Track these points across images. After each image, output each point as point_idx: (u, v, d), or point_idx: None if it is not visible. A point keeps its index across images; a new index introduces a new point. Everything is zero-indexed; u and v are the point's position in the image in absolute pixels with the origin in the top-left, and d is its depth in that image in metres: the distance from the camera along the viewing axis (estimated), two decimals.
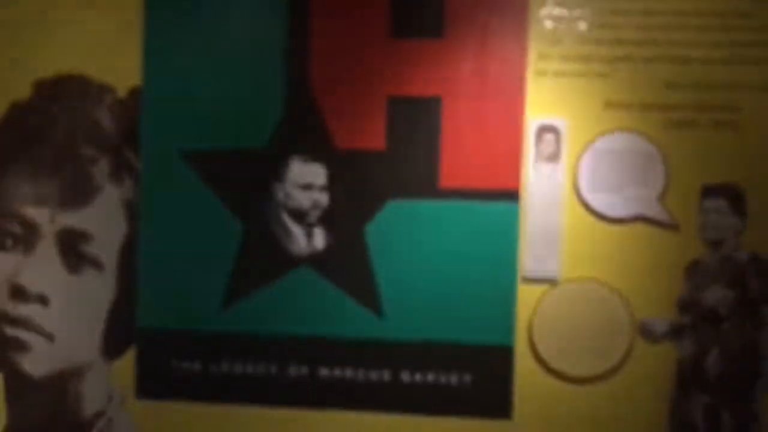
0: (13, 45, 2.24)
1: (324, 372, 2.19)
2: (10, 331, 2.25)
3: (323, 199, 2.17)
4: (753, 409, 2.06)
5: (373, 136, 2.16)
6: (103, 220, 2.23)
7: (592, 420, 2.10)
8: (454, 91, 2.13)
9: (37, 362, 2.25)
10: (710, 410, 2.07)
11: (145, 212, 2.22)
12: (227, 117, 2.20)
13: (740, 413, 2.06)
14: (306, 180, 2.18)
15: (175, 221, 2.21)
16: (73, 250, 2.23)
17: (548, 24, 2.11)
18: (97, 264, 2.23)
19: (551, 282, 2.11)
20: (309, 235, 2.18)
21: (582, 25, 2.10)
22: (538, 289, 2.12)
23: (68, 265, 2.23)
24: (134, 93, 2.22)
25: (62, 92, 2.23)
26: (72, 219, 2.22)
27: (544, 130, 2.10)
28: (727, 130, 2.07)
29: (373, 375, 2.17)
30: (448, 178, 2.14)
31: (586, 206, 2.10)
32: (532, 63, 2.11)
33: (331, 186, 2.17)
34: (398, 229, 2.15)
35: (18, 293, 2.24)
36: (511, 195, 2.11)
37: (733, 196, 2.06)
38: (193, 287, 2.21)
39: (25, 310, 2.24)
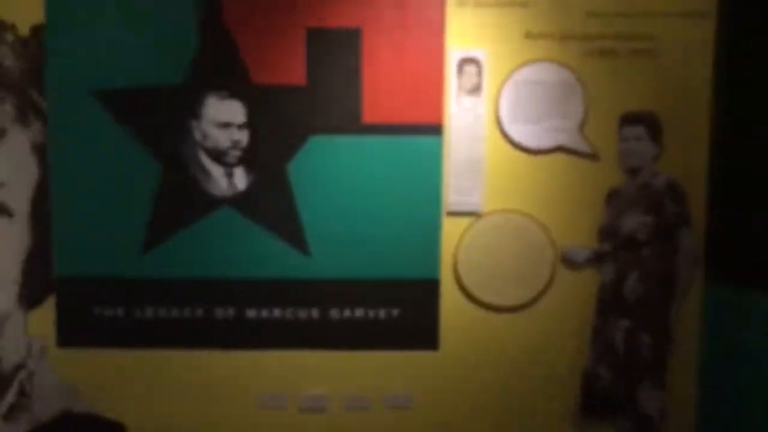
0: None
1: (251, 313, 2.25)
2: None
3: (243, 137, 2.20)
4: (668, 331, 2.23)
5: (293, 71, 2.19)
6: (12, 165, 2.21)
7: (517, 347, 2.24)
8: (374, 22, 2.17)
9: None
10: (629, 332, 2.23)
11: (56, 156, 2.21)
12: (139, 54, 2.19)
13: (657, 335, 2.23)
14: (224, 118, 2.20)
15: (88, 164, 2.21)
16: None
17: None
18: (7, 211, 2.22)
19: (475, 214, 2.21)
20: (229, 176, 2.22)
21: None
22: (462, 222, 2.21)
23: None
24: (37, 30, 2.18)
25: None
26: None
27: (465, 62, 2.17)
28: (644, 58, 2.17)
29: (302, 314, 2.25)
30: (370, 113, 2.19)
31: (508, 138, 2.19)
32: None
33: (251, 123, 2.20)
34: (321, 166, 2.21)
35: None
36: (434, 129, 2.18)
37: (650, 123, 2.18)
38: (112, 232, 2.22)
39: None
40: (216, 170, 2.21)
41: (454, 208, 2.20)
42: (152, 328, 2.26)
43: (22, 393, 2.27)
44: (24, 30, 2.18)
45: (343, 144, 2.20)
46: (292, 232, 2.22)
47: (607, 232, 2.22)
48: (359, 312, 2.25)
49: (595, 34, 2.17)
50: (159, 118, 2.20)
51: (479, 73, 2.16)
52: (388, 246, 2.22)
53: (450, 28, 2.17)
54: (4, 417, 2.27)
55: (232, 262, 2.24)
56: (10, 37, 2.18)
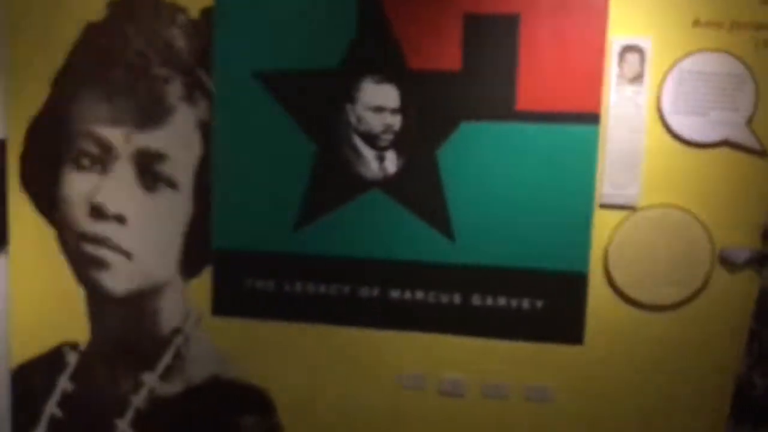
0: None
1: (395, 294, 2.37)
2: (91, 249, 2.49)
3: (395, 122, 2.30)
4: None
5: (448, 56, 2.26)
6: (178, 141, 2.41)
7: (667, 348, 2.23)
8: (533, 7, 2.20)
9: (116, 280, 2.50)
10: None
11: (219, 133, 2.40)
12: (300, 37, 2.33)
13: None
14: (378, 102, 2.31)
15: (248, 142, 2.38)
16: (148, 170, 2.43)
17: None
18: (172, 184, 2.43)
19: (630, 208, 2.21)
20: (381, 159, 2.33)
21: None
22: (616, 215, 2.22)
23: (144, 185, 2.44)
24: (206, 13, 2.37)
25: (135, 13, 2.39)
26: (147, 139, 2.42)
27: (627, 50, 2.17)
28: None
29: (444, 298, 2.34)
30: (525, 100, 2.23)
31: (669, 130, 2.17)
32: None
33: (404, 108, 2.30)
34: (472, 152, 2.28)
35: (96, 212, 2.47)
36: (591, 118, 2.20)
37: None
38: (267, 208, 2.39)
39: (104, 228, 2.48)
40: (368, 153, 2.32)
41: (607, 200, 2.21)
42: (300, 302, 2.41)
43: (177, 356, 2.49)
44: (194, 12, 2.37)
45: (495, 131, 2.25)
46: (439, 217, 2.31)
47: None
48: (502, 300, 2.32)
49: None
50: (316, 101, 2.33)
51: (642, 62, 2.16)
52: (535, 236, 2.26)
53: (613, 15, 2.17)
54: (161, 376, 2.50)
55: (379, 243, 2.35)
56: (182, 20, 2.38)
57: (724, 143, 2.15)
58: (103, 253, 2.48)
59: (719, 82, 2.13)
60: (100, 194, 2.46)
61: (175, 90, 2.39)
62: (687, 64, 2.14)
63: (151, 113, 2.40)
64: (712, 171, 2.17)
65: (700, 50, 2.13)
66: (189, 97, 2.39)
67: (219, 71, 2.37)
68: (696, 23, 2.14)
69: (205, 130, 2.40)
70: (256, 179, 2.39)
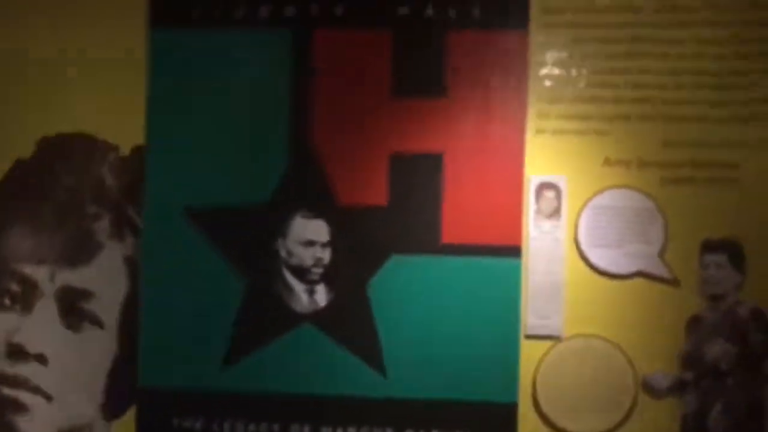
0: (19, 103, 2.48)
1: (326, 431, 2.39)
2: (8, 391, 2.44)
3: (325, 255, 2.40)
4: None
5: (375, 192, 2.39)
6: (105, 278, 2.44)
7: None
8: (456, 148, 2.37)
9: (35, 423, 2.44)
10: None
11: (147, 270, 2.44)
12: (231, 173, 2.43)
13: None
14: (308, 236, 2.41)
15: (176, 279, 2.43)
16: (73, 308, 2.44)
17: (548, 83, 2.36)
18: (97, 322, 2.44)
19: (554, 338, 2.32)
20: (311, 293, 2.40)
21: (580, 85, 2.35)
22: (541, 346, 2.33)
23: (68, 324, 2.44)
24: (138, 151, 2.46)
25: (66, 150, 2.47)
26: (73, 277, 2.44)
27: (544, 187, 2.34)
28: (724, 186, 2.31)
29: None
30: (449, 234, 2.36)
31: (587, 262, 2.33)
32: (532, 121, 2.36)
33: (334, 242, 2.40)
34: (401, 285, 2.37)
35: (16, 352, 2.44)
36: (513, 251, 2.34)
37: (732, 250, 2.29)
38: (195, 345, 2.41)
39: (23, 369, 2.44)
40: (298, 286, 2.39)
41: (533, 331, 2.32)
42: None
43: None
44: (126, 150, 2.46)
45: (423, 263, 2.36)
46: (370, 350, 2.37)
47: (689, 361, 2.30)
48: None
49: (673, 162, 2.32)
50: (247, 236, 2.42)
51: (558, 198, 2.33)
52: (465, 367, 2.34)
53: (529, 154, 2.35)
54: None
55: (310, 379, 2.38)
56: (112, 157, 2.46)
57: (639, 274, 2.31)
58: (21, 395, 2.44)
59: (631, 216, 2.31)
60: (19, 333, 2.44)
61: (103, 227, 2.44)
62: (600, 200, 2.32)
63: (78, 250, 2.44)
64: (629, 301, 2.31)
65: (611, 187, 2.32)
66: (117, 234, 2.44)
67: (149, 208, 2.44)
68: (606, 162, 2.33)
69: (133, 267, 2.44)
70: (185, 316, 2.42)
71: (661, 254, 2.30)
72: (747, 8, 2.32)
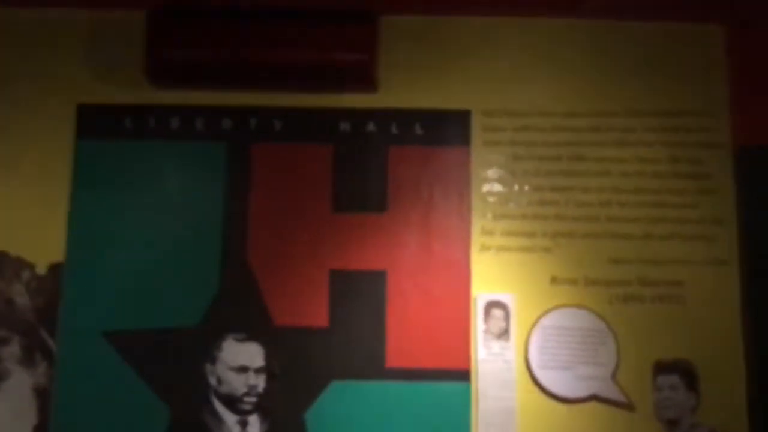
0: None
1: None
2: None
3: (259, 382, 2.25)
4: None
5: (315, 313, 2.29)
6: (10, 412, 2.22)
7: None
8: (398, 265, 2.32)
9: None
10: None
11: (60, 399, 2.23)
12: (157, 294, 2.30)
13: None
14: (241, 362, 2.26)
15: (93, 410, 2.23)
16: None
17: (491, 200, 2.36)
18: None
19: None
20: (243, 424, 2.23)
21: (523, 202, 2.36)
22: None
23: None
24: (55, 269, 2.31)
25: None
26: None
27: (492, 305, 2.29)
28: (672, 304, 2.31)
29: None
30: (394, 358, 2.26)
31: (539, 385, 2.25)
32: (477, 238, 2.34)
33: (269, 367, 2.26)
34: (342, 413, 2.23)
35: None
36: (462, 375, 2.25)
37: (685, 371, 2.26)
38: None
39: None
40: (229, 417, 2.23)
41: None
42: None
43: None
44: (42, 269, 2.31)
45: (366, 389, 2.25)
46: None
47: None
48: None
49: (619, 280, 2.32)
50: (172, 361, 2.26)
51: (506, 317, 2.28)
52: None
53: (475, 272, 2.32)
54: None
55: None
56: (26, 276, 2.30)
57: (593, 398, 2.24)
58: None
59: (581, 337, 2.27)
60: None
61: (11, 352, 2.25)
62: (549, 319, 2.28)
63: None
64: (583, 426, 2.23)
65: (560, 306, 2.29)
66: (27, 360, 2.25)
67: (64, 330, 2.27)
68: (553, 280, 2.31)
69: (43, 397, 2.23)
70: None
71: (614, 376, 2.25)
72: (680, 130, 2.40)
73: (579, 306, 2.30)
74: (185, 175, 2.39)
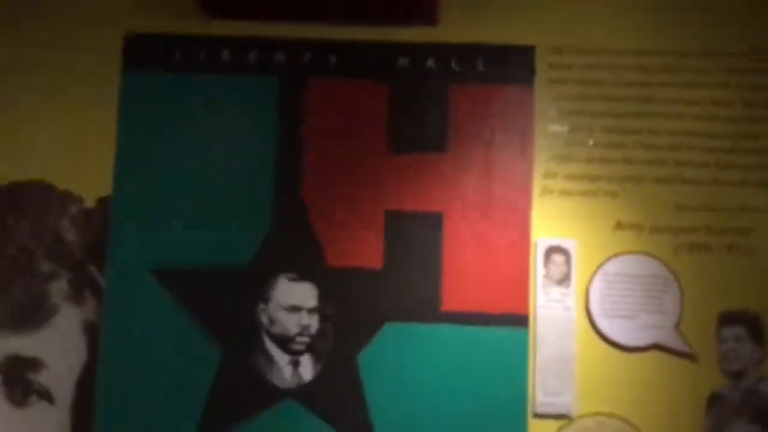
0: None
1: None
2: None
3: (312, 323, 2.23)
4: None
5: (370, 254, 2.26)
6: (58, 346, 2.22)
7: None
8: (456, 208, 2.27)
9: None
10: None
11: (108, 337, 2.22)
12: (207, 230, 2.26)
13: None
14: (293, 301, 2.24)
15: (142, 347, 2.22)
16: (19, 380, 2.20)
17: (554, 141, 2.29)
18: (47, 397, 2.20)
19: (565, 417, 2.18)
20: (295, 365, 2.22)
21: (589, 144, 2.30)
22: (550, 426, 2.18)
23: (12, 399, 2.19)
24: (103, 203, 2.28)
25: (20, 201, 2.27)
26: (21, 344, 2.21)
27: (552, 250, 2.25)
28: (740, 254, 2.25)
29: None
30: (450, 301, 2.23)
31: (600, 334, 2.21)
32: (539, 181, 2.28)
33: (322, 308, 2.24)
34: (395, 357, 2.21)
35: None
36: (519, 320, 2.21)
37: (751, 323, 2.21)
38: (161, 424, 2.19)
39: None
40: (281, 358, 2.21)
41: (541, 409, 2.18)
42: None
43: None
44: (91, 202, 2.28)
45: (420, 332, 2.22)
46: (360, 430, 2.19)
47: None
48: None
49: (686, 227, 2.26)
50: (223, 300, 2.24)
51: (568, 263, 2.23)
52: None
53: (536, 216, 2.26)
54: None
55: None
56: (74, 210, 2.27)
57: (654, 347, 2.20)
58: None
59: (644, 284, 2.22)
60: None
61: (60, 287, 2.24)
62: (612, 266, 2.23)
63: (28, 314, 2.22)
64: (644, 376, 2.20)
65: (624, 252, 2.24)
66: (76, 296, 2.24)
67: (113, 267, 2.25)
68: (618, 226, 2.25)
69: (92, 333, 2.22)
70: (149, 390, 2.21)
71: (677, 326, 2.21)
72: (756, 72, 2.31)
73: (643, 253, 2.24)
74: (236, 110, 2.33)
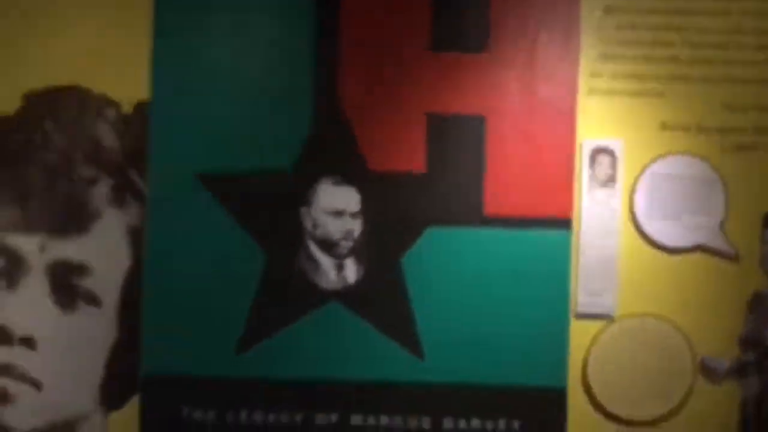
0: (0, 50, 2.25)
1: (356, 420, 2.23)
2: None
3: (356, 226, 2.24)
4: None
5: (411, 157, 2.24)
6: (103, 251, 2.23)
7: None
8: (499, 109, 2.24)
9: (22, 415, 2.22)
10: None
11: (152, 241, 2.24)
12: (248, 135, 2.25)
13: None
14: (336, 206, 2.24)
15: (186, 251, 2.23)
16: (66, 284, 2.22)
17: (600, 40, 2.25)
18: (94, 301, 2.23)
19: (607, 318, 2.22)
20: (339, 268, 2.24)
21: (635, 43, 2.24)
22: (592, 326, 2.22)
23: (60, 303, 2.22)
24: (141, 107, 2.26)
25: (57, 106, 2.25)
26: (66, 249, 2.22)
27: (598, 151, 2.23)
28: None
29: (412, 422, 2.23)
30: (493, 204, 2.23)
31: (644, 235, 2.22)
32: (584, 81, 2.24)
33: (365, 212, 2.24)
34: (438, 259, 2.23)
35: (0, 335, 2.22)
36: (563, 223, 2.22)
37: None
38: (207, 326, 2.22)
39: (8, 354, 2.21)
40: (325, 261, 2.23)
41: (583, 309, 2.21)
42: None
43: None
44: (128, 107, 2.25)
45: (463, 236, 2.23)
46: (404, 331, 2.23)
47: (750, 341, 2.22)
48: (476, 422, 2.23)
49: (734, 127, 2.24)
50: (266, 204, 2.24)
51: (613, 165, 2.22)
52: (509, 349, 2.22)
53: (581, 116, 2.24)
54: None
55: (337, 363, 2.23)
56: (112, 115, 2.25)
57: (698, 248, 2.21)
58: (5, 383, 2.22)
59: (690, 185, 2.21)
60: (4, 314, 2.22)
61: (101, 192, 2.24)
62: (658, 167, 2.22)
63: (71, 219, 2.23)
64: (687, 277, 2.22)
65: (669, 153, 2.22)
66: (118, 201, 2.24)
67: (154, 172, 2.24)
68: (664, 126, 2.23)
69: (136, 238, 2.24)
70: (195, 293, 2.23)
71: (722, 226, 2.21)
72: None
73: (690, 153, 2.23)
74: (274, 9, 2.27)
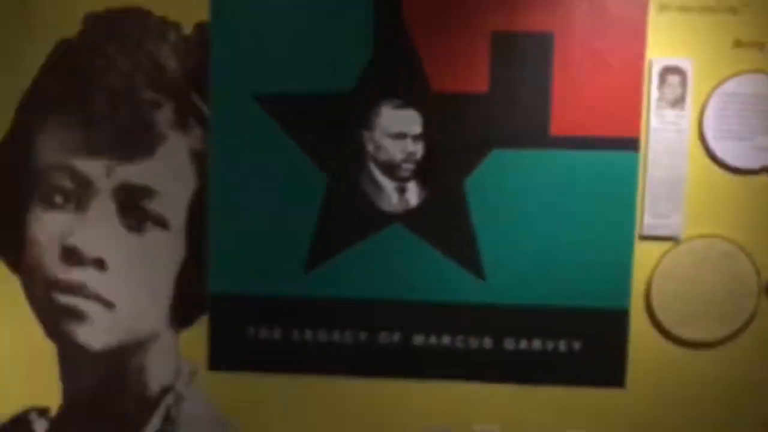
0: None
1: (418, 339, 2.28)
2: (64, 298, 2.30)
3: (418, 149, 2.23)
4: None
5: (475, 78, 2.21)
6: (168, 173, 2.26)
7: (715, 387, 2.23)
8: (567, 27, 2.19)
9: (94, 333, 2.31)
10: None
11: (216, 164, 2.26)
12: (309, 56, 2.23)
13: None
14: (398, 128, 2.23)
15: (250, 174, 2.26)
16: (133, 207, 2.27)
17: None
18: (161, 222, 2.28)
19: (672, 239, 2.21)
20: (401, 190, 2.25)
21: None
22: (657, 247, 2.21)
23: (128, 225, 2.28)
24: (201, 29, 2.24)
25: (118, 28, 2.25)
26: (131, 172, 2.26)
27: (668, 71, 2.18)
28: None
29: (473, 342, 2.27)
30: (559, 125, 2.21)
31: (712, 156, 2.19)
32: None
33: (427, 134, 2.23)
34: (502, 181, 2.22)
35: (71, 256, 2.28)
36: (631, 143, 2.19)
37: None
38: (272, 248, 2.27)
39: (79, 275, 2.29)
40: (387, 184, 2.24)
41: (649, 231, 2.20)
42: (311, 352, 2.29)
43: (167, 419, 2.32)
44: (188, 28, 2.24)
45: (528, 158, 2.21)
46: (467, 253, 2.25)
47: None
48: (537, 343, 2.26)
49: None
50: (327, 127, 2.24)
51: (683, 84, 2.17)
52: (572, 271, 2.23)
53: (651, 34, 2.18)
54: None
55: (400, 284, 2.26)
56: (173, 37, 2.25)
57: (767, 169, 2.18)
58: (79, 302, 2.30)
59: (762, 104, 2.16)
60: (74, 236, 2.28)
61: (164, 116, 2.25)
62: (729, 86, 2.16)
63: (136, 142, 2.25)
64: (756, 199, 2.19)
65: (741, 72, 2.16)
66: (181, 124, 2.26)
67: (216, 95, 2.25)
68: (737, 44, 2.17)
69: (200, 161, 2.26)
70: (260, 215, 2.27)
71: None
72: None
73: (762, 72, 2.17)
74: None
